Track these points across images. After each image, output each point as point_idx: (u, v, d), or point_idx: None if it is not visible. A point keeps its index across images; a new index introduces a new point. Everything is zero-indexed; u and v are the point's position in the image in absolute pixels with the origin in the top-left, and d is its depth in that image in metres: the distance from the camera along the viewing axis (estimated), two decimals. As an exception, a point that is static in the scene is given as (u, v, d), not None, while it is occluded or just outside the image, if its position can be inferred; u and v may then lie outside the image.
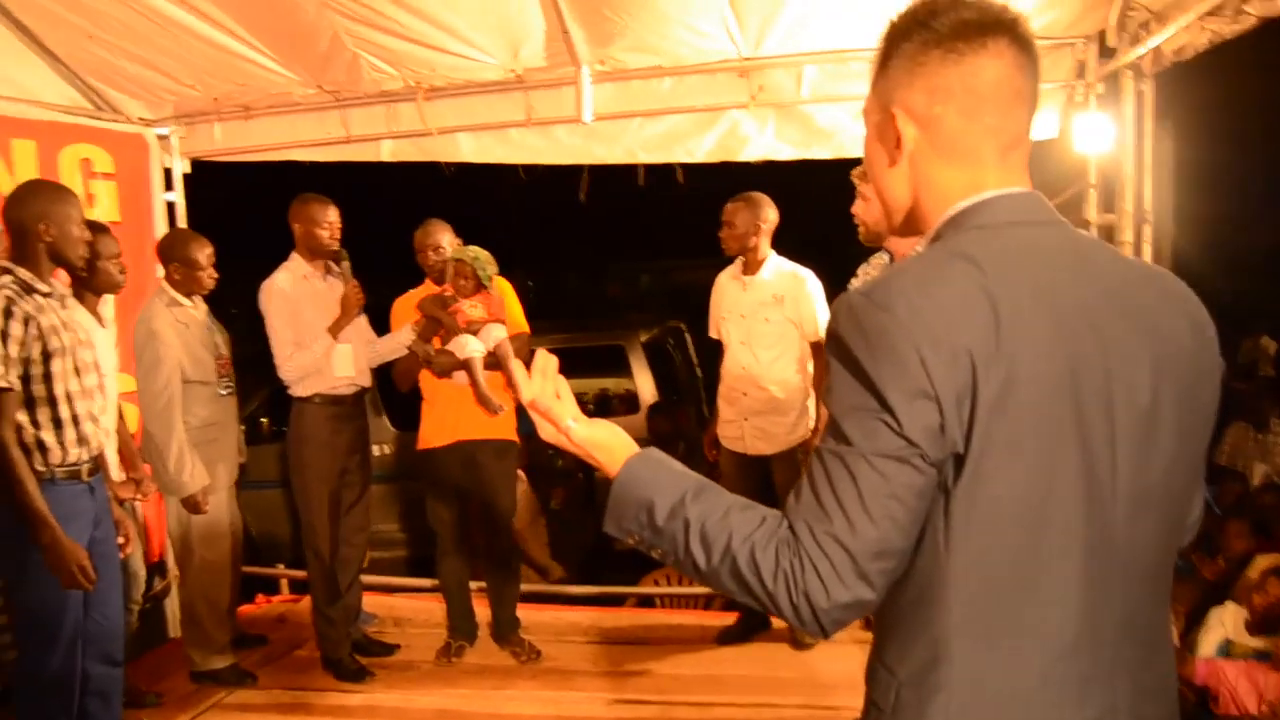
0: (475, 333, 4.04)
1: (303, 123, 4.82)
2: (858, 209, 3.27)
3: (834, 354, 1.12)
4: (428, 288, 4.25)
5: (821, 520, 1.08)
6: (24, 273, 2.87)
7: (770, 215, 4.25)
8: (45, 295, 2.90)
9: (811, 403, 4.29)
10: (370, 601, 4.71)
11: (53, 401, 2.86)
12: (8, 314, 2.74)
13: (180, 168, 4.99)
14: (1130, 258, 1.85)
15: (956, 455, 1.07)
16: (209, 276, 3.96)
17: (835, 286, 4.46)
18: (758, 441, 4.27)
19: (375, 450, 7.67)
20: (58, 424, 2.87)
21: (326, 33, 4.20)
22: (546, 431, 1.39)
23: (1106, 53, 3.92)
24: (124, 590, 3.34)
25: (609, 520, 1.27)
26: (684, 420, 8.63)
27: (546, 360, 1.42)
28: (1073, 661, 1.11)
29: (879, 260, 3.36)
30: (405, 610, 4.84)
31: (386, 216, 4.87)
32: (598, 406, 8.85)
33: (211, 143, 4.95)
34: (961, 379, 1.06)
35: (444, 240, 4.21)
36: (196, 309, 3.99)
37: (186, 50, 4.36)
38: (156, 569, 4.47)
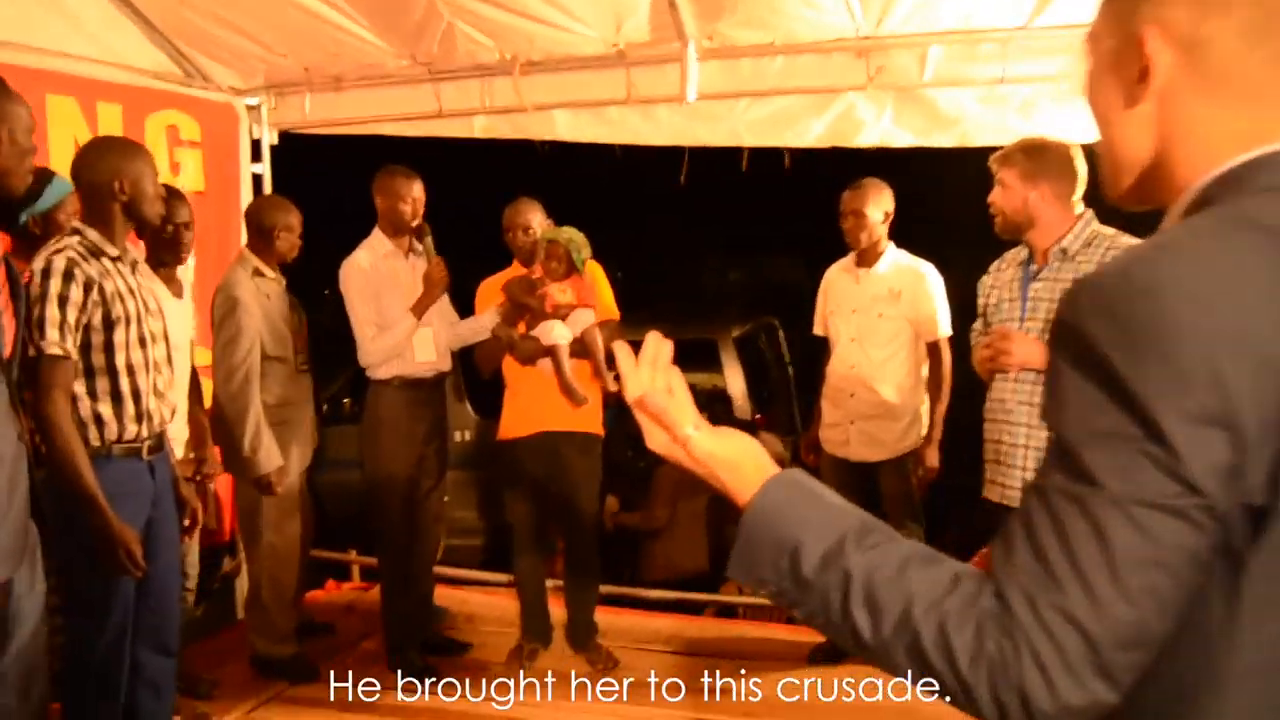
0: (563, 318, 3.81)
1: (394, 96, 4.65)
2: (996, 197, 2.96)
3: (1069, 355, 0.82)
4: (515, 269, 4.03)
5: (1049, 590, 0.79)
6: (94, 234, 2.72)
7: (891, 204, 3.96)
8: (114, 259, 2.74)
9: (925, 408, 3.98)
10: (443, 595, 4.52)
11: (113, 373, 2.69)
12: (67, 277, 2.57)
13: (269, 139, 4.87)
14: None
15: (1254, 508, 0.77)
16: (293, 244, 3.80)
17: (953, 284, 4.20)
18: (864, 447, 3.97)
19: (456, 436, 7.57)
20: (116, 397, 2.71)
21: (421, 1, 4.01)
22: (656, 440, 1.06)
23: None
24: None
25: (737, 564, 0.97)
26: (773, 419, 8.34)
27: (658, 347, 1.07)
28: None
29: (1016, 255, 3.03)
30: (478, 606, 4.64)
31: (477, 195, 4.63)
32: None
33: (301, 114, 4.80)
34: (1271, 400, 0.75)
35: (535, 220, 3.98)
36: (278, 280, 3.84)
37: (279, 16, 4.21)
38: (227, 549, 4.35)
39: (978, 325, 3.21)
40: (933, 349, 3.96)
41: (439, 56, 4.37)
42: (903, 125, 4.06)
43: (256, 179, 4.86)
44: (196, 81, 4.62)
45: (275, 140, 4.90)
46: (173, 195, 3.41)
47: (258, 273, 3.75)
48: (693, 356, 8.51)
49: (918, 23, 3.82)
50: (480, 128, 4.61)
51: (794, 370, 9.10)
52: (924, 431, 3.96)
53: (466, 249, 5.00)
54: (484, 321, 3.91)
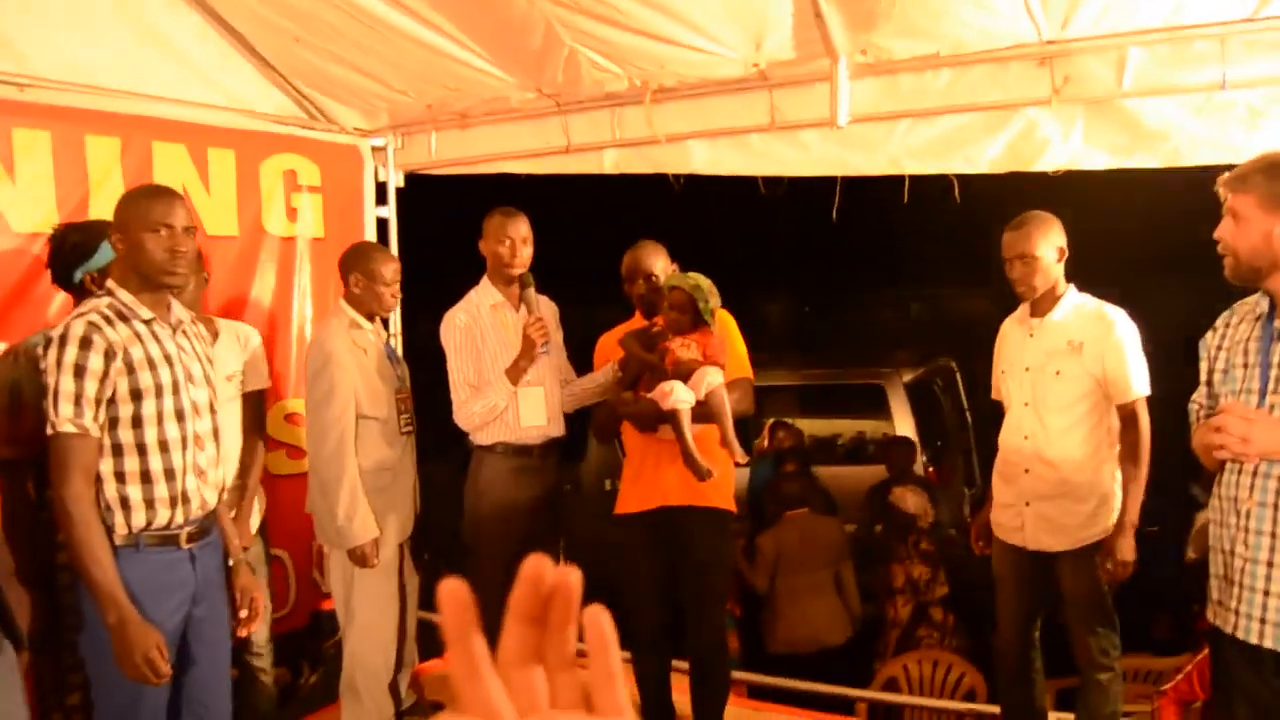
0: (685, 378, 3.33)
1: (521, 131, 4.32)
2: (1225, 232, 2.30)
3: None
4: (637, 321, 3.58)
5: None
6: (125, 295, 2.44)
7: (1063, 238, 3.33)
8: (146, 322, 2.46)
9: (1119, 487, 3.27)
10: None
11: (142, 450, 2.40)
12: (85, 344, 2.30)
13: (395, 180, 4.63)
14: None
15: None
16: (392, 295, 3.49)
17: (1155, 333, 3.48)
18: (1042, 534, 3.30)
19: (607, 485, 7.23)
20: (146, 478, 2.41)
21: (539, 25, 3.65)
22: None
23: None
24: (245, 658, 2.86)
25: None
26: (948, 472, 7.60)
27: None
28: None
29: (1252, 308, 2.36)
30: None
31: (613, 235, 4.22)
32: (851, 452, 7.96)
33: (427, 154, 4.55)
34: None
35: (658, 266, 3.53)
36: (377, 334, 3.54)
37: (394, 51, 3.95)
38: (329, 619, 4.04)
39: (1198, 396, 2.53)
40: (1126, 414, 3.26)
41: (564, 86, 4.00)
42: (1097, 144, 3.41)
43: (382, 223, 4.62)
44: (320, 123, 4.42)
45: (401, 182, 4.66)
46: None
47: (354, 325, 3.47)
48: (858, 402, 7.89)
49: (1113, 21, 3.18)
50: (611, 162, 4.22)
51: (973, 416, 8.34)
52: (1114, 517, 3.26)
53: (596, 297, 4.62)
54: (600, 380, 3.50)
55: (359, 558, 3.35)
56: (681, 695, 3.68)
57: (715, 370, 3.33)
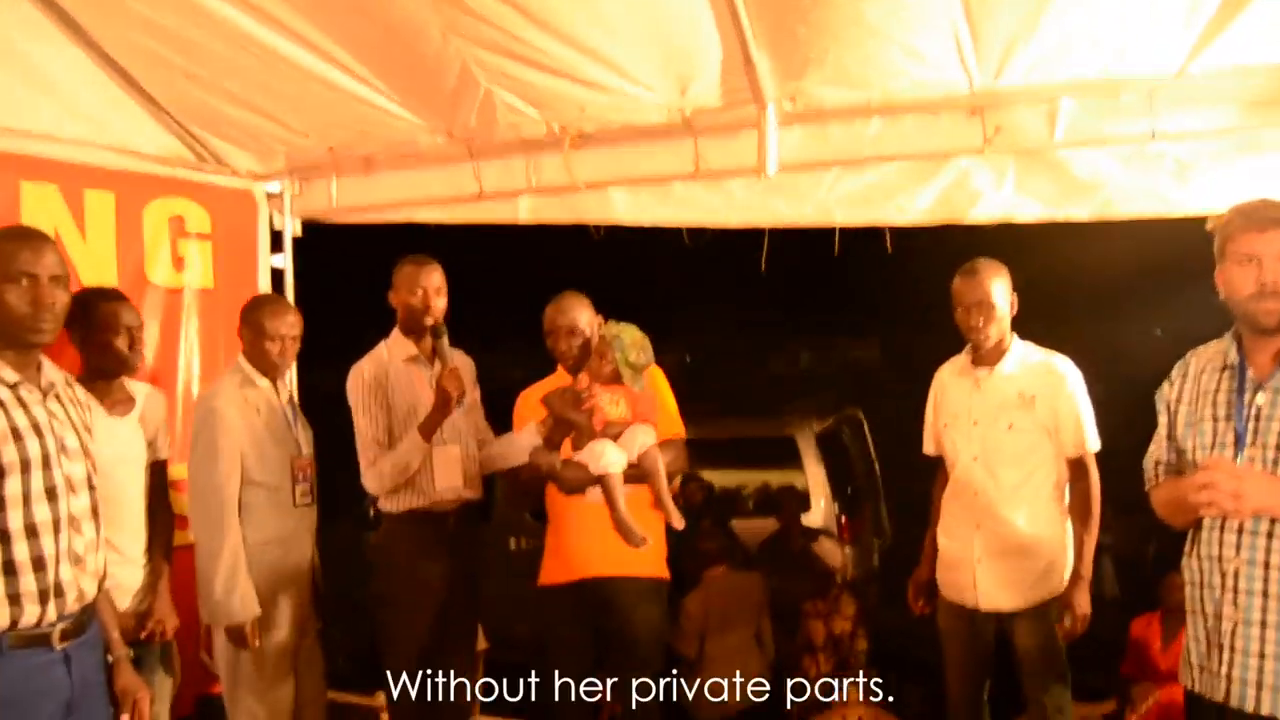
0: (615, 437, 3.12)
1: (430, 178, 4.09)
2: (1220, 277, 2.21)
3: None
4: (560, 377, 3.36)
5: None
6: None
7: (1010, 287, 3.28)
8: (11, 386, 2.15)
9: (1070, 540, 3.21)
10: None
11: (4, 537, 2.08)
12: None
13: (292, 229, 4.33)
14: None
15: None
16: (279, 352, 3.20)
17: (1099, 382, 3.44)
18: (995, 590, 3.20)
19: (512, 544, 6.91)
20: (10, 569, 2.09)
21: (454, 65, 3.45)
22: None
23: None
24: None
25: None
26: (859, 525, 7.53)
27: None
28: None
29: (1209, 358, 2.28)
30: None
31: (531, 287, 3.99)
32: (758, 504, 7.83)
33: (328, 201, 4.27)
34: None
35: (581, 319, 3.33)
36: (275, 393, 3.24)
37: (297, 91, 3.69)
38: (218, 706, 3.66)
39: (1157, 452, 2.43)
40: (1077, 466, 3.22)
41: (478, 130, 3.79)
42: (1028, 194, 3.37)
43: (277, 274, 4.31)
44: (210, 166, 4.11)
45: (299, 231, 4.37)
46: (111, 297, 3.01)
47: (247, 382, 3.18)
48: (769, 455, 7.77)
49: (1045, 72, 3.15)
50: (527, 210, 4.02)
51: (880, 468, 8.33)
52: (1067, 574, 3.19)
53: (513, 353, 4.38)
54: (521, 442, 3.25)
55: (237, 637, 3.04)
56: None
57: (647, 429, 3.14)
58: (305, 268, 4.38)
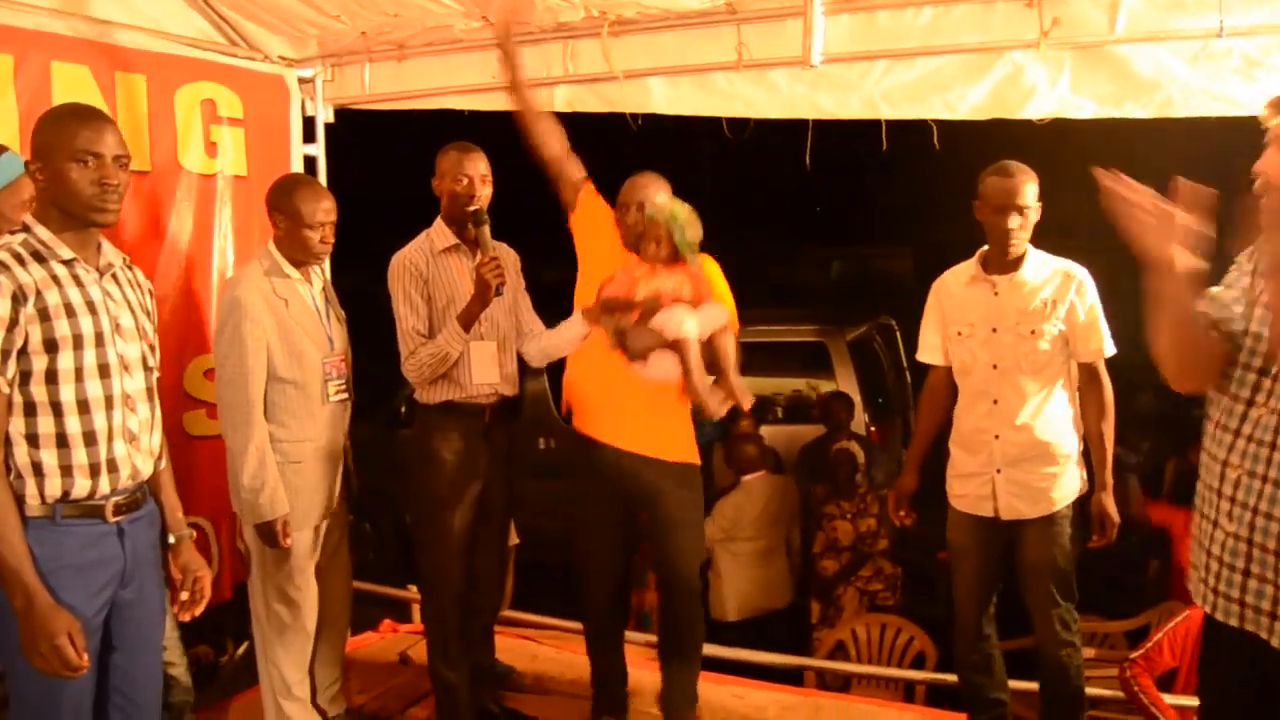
0: None
1: (464, 63, 3.99)
2: (1268, 165, 2.06)
3: None
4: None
5: None
6: (42, 232, 2.12)
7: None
8: (66, 263, 2.14)
9: (1075, 450, 3.21)
10: (510, 647, 3.88)
11: (57, 410, 2.10)
12: None
13: (324, 115, 4.27)
14: None
15: None
16: (321, 239, 3.09)
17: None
18: (1016, 500, 3.15)
19: (541, 443, 6.96)
20: (62, 441, 2.11)
21: (491, -55, 3.34)
22: None
23: None
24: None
25: None
26: (889, 433, 7.52)
27: None
28: None
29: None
30: (549, 663, 3.95)
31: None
32: (789, 410, 7.82)
33: (360, 88, 4.20)
34: None
35: (657, 198, 3.16)
36: (306, 283, 3.16)
37: (328, -31, 3.59)
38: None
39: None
40: (1092, 372, 3.18)
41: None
42: (1085, 92, 3.22)
43: (309, 161, 4.26)
44: (242, 50, 4.03)
45: (331, 117, 4.30)
46: None
47: (275, 271, 3.08)
48: (800, 360, 7.74)
49: (1109, -40, 2.99)
50: (562, 100, 3.91)
51: (912, 377, 8.28)
52: (1082, 481, 3.19)
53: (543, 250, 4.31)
54: (572, 331, 3.18)
55: (267, 535, 3.01)
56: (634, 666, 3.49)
57: (719, 307, 3.08)
58: (343, 158, 4.31)
